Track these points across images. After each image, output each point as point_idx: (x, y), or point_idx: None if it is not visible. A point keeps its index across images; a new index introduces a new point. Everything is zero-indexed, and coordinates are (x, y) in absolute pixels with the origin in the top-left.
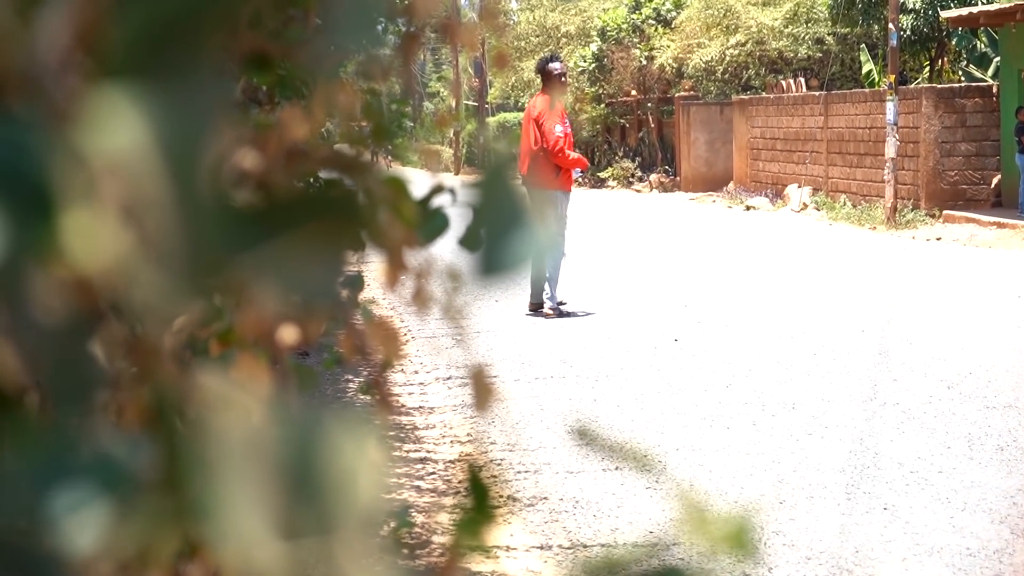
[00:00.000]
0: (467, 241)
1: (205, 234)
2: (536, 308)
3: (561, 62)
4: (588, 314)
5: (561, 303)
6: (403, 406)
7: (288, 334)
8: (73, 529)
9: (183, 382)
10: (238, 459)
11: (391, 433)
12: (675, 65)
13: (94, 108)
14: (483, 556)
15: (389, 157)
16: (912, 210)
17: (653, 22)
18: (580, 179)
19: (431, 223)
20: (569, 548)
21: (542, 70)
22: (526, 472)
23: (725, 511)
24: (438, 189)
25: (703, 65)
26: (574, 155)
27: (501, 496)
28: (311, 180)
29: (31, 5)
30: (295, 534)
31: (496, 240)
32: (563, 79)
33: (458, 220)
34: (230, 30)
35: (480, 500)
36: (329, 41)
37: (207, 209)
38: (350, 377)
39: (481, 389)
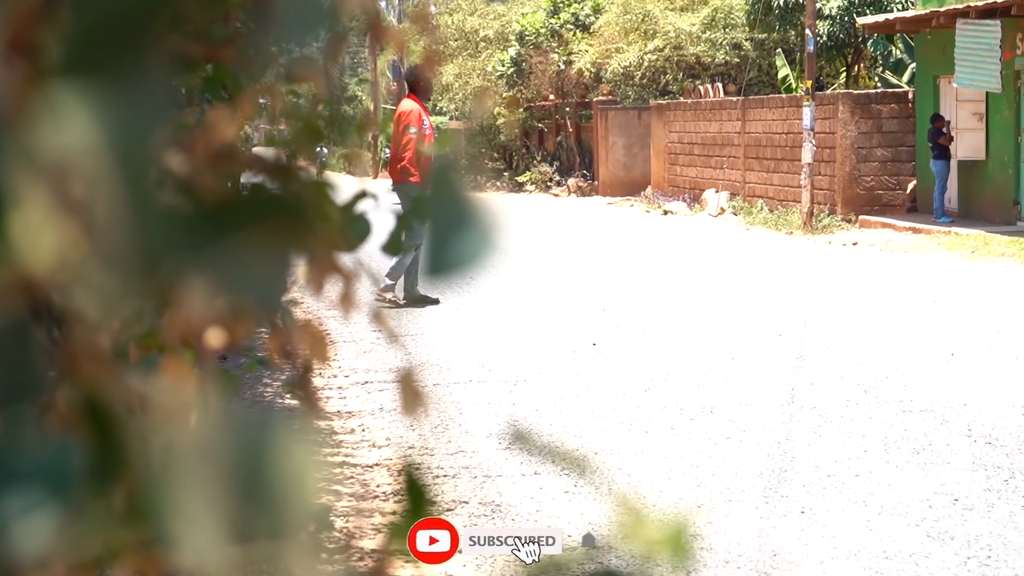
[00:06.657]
0: (389, 246)
1: (154, 234)
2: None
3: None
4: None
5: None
6: (321, 410)
7: (215, 337)
8: (23, 533)
9: (124, 385)
10: (189, 462)
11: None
12: (593, 70)
13: (42, 107)
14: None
15: (322, 160)
16: (828, 215)
17: (571, 27)
18: (498, 183)
19: (354, 227)
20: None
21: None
22: (444, 476)
23: (662, 516)
24: (362, 194)
25: (621, 70)
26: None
27: (437, 499)
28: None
29: None
30: (246, 536)
31: (443, 240)
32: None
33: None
34: (175, 29)
35: (416, 503)
36: (272, 40)
37: (156, 209)
38: (268, 381)
39: (410, 393)
